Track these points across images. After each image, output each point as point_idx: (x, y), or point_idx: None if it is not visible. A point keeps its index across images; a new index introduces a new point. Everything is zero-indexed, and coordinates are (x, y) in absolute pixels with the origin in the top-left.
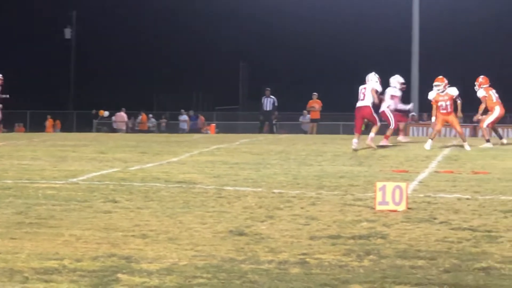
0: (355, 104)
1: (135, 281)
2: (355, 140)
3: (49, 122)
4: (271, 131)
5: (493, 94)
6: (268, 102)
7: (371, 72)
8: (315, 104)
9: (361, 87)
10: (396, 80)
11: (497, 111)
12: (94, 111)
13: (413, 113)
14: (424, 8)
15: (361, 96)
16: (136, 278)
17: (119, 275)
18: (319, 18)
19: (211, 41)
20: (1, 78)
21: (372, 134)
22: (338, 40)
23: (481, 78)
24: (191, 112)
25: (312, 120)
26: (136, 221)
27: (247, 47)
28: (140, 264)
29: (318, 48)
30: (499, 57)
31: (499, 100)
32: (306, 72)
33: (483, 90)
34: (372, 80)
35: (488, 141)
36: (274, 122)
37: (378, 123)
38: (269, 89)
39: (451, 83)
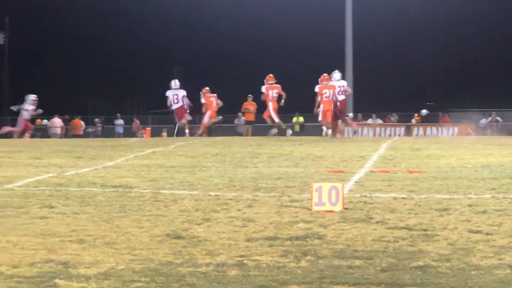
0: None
1: (73, 286)
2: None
3: None
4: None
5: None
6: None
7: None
8: (250, 106)
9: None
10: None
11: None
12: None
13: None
14: (356, 8)
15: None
16: (74, 283)
17: (57, 280)
18: (254, 20)
19: (145, 45)
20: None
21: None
22: (271, 42)
23: (322, 76)
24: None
25: (247, 122)
26: (73, 226)
27: (181, 50)
28: (78, 269)
29: (252, 50)
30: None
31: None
32: (240, 74)
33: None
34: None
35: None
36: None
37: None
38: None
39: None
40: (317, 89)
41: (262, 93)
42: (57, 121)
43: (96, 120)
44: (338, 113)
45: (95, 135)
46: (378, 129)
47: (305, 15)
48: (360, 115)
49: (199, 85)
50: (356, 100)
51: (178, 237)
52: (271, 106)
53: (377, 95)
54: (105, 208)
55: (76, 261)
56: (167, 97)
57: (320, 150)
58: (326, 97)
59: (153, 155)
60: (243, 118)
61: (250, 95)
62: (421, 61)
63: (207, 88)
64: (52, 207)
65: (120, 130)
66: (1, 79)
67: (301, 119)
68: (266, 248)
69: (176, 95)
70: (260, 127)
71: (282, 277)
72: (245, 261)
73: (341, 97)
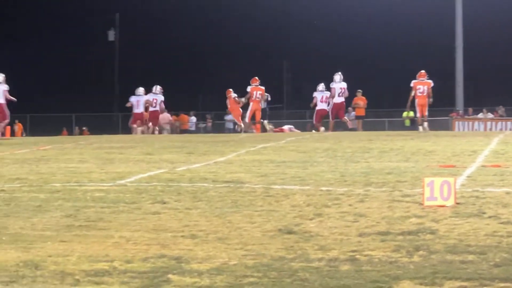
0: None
1: (186, 281)
2: None
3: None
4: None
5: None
6: None
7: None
8: (360, 101)
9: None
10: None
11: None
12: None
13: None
14: (466, 2)
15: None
16: (187, 278)
17: (170, 275)
18: (360, 15)
19: (255, 41)
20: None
21: None
22: (377, 38)
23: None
24: None
25: (357, 117)
26: (185, 221)
27: (290, 45)
28: (191, 264)
29: (357, 45)
30: None
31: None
32: (349, 71)
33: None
34: None
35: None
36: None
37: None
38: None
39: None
40: (412, 84)
41: (247, 92)
42: (166, 117)
43: (207, 116)
44: (335, 112)
45: (205, 130)
46: (489, 123)
47: (413, 11)
48: (470, 109)
49: (307, 81)
50: (466, 95)
51: (290, 232)
52: (252, 106)
53: (487, 89)
54: (217, 203)
55: (188, 256)
56: (147, 100)
57: (431, 144)
58: (420, 92)
59: (264, 150)
60: (353, 113)
61: (359, 90)
62: None
63: (230, 89)
64: (164, 203)
65: (230, 125)
66: (112, 76)
67: (411, 114)
68: (378, 243)
69: (155, 99)
70: (370, 121)
71: (394, 272)
72: (357, 256)
73: (340, 99)
